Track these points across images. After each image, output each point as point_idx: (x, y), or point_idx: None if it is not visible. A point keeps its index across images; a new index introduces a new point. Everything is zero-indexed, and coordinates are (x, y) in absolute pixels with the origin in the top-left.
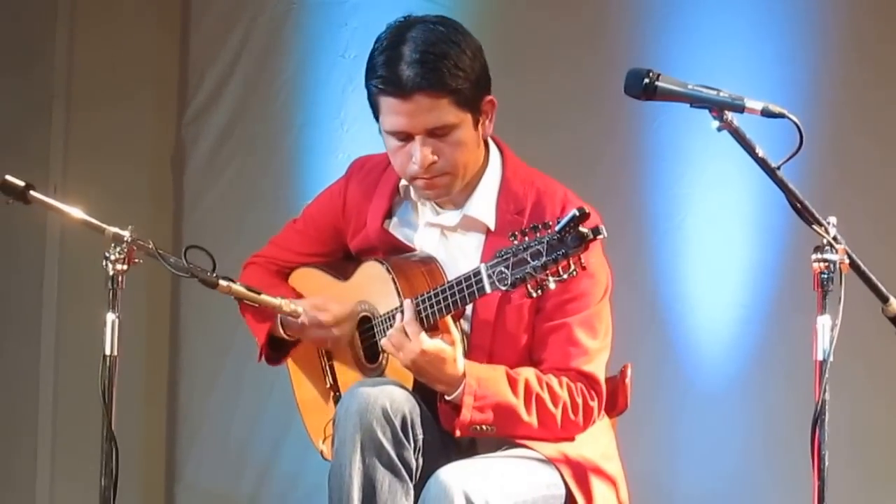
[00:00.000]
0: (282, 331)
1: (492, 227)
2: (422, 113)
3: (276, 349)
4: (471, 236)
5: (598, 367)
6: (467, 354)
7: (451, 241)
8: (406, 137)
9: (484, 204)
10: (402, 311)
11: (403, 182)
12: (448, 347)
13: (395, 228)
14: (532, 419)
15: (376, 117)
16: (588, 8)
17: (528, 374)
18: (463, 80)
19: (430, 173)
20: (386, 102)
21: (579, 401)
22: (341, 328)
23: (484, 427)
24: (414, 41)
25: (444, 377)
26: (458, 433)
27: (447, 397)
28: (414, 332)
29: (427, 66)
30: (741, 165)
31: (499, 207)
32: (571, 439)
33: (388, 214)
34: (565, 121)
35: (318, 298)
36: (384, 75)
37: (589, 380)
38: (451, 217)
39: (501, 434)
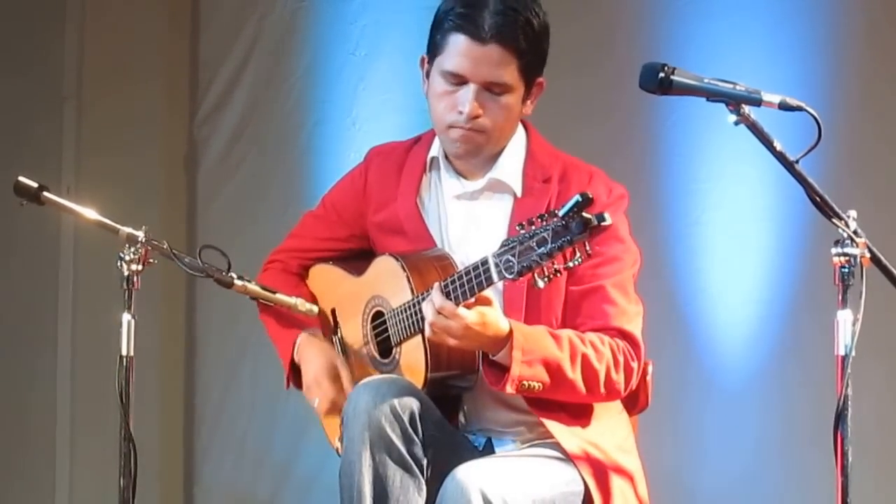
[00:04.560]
0: (297, 360)
1: (518, 193)
2: (489, 64)
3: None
4: (497, 202)
5: (637, 329)
6: None
7: (477, 209)
8: (460, 83)
9: (510, 169)
10: (431, 298)
11: (432, 154)
12: (488, 310)
13: (425, 206)
14: (577, 376)
15: (430, 60)
16: (602, 4)
17: (569, 332)
18: (533, 50)
19: (470, 125)
20: (457, 41)
21: (621, 359)
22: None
23: (533, 384)
24: None
25: (490, 339)
26: (508, 389)
27: (492, 356)
28: (450, 311)
29: (509, 20)
30: (759, 160)
31: (525, 174)
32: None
33: (419, 191)
34: (580, 116)
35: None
36: (467, 13)
37: (630, 340)
38: (476, 183)
39: (548, 394)
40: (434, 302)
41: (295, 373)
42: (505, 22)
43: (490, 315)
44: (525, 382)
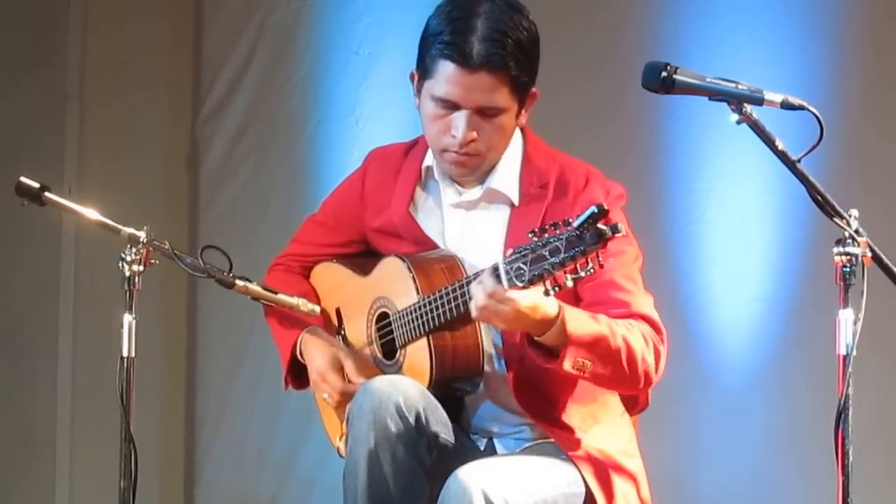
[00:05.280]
0: (300, 357)
1: (515, 201)
2: (480, 90)
3: (300, 372)
4: (494, 212)
5: (655, 314)
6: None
7: (475, 219)
8: (452, 108)
9: (506, 177)
10: (482, 281)
11: (427, 163)
12: (539, 295)
13: (420, 213)
14: (619, 351)
15: (421, 79)
16: (605, 3)
17: (603, 316)
18: (524, 69)
19: (464, 150)
20: (446, 68)
21: (650, 340)
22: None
23: (586, 362)
24: (488, 17)
25: (538, 322)
26: (565, 366)
27: (538, 338)
28: (502, 296)
29: (498, 45)
30: (761, 159)
31: (522, 181)
32: (643, 389)
33: (412, 198)
34: (582, 116)
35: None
36: (453, 42)
37: (653, 324)
38: (473, 193)
39: (594, 375)
40: (485, 286)
41: (295, 374)
42: (494, 48)
43: (538, 298)
44: (579, 360)
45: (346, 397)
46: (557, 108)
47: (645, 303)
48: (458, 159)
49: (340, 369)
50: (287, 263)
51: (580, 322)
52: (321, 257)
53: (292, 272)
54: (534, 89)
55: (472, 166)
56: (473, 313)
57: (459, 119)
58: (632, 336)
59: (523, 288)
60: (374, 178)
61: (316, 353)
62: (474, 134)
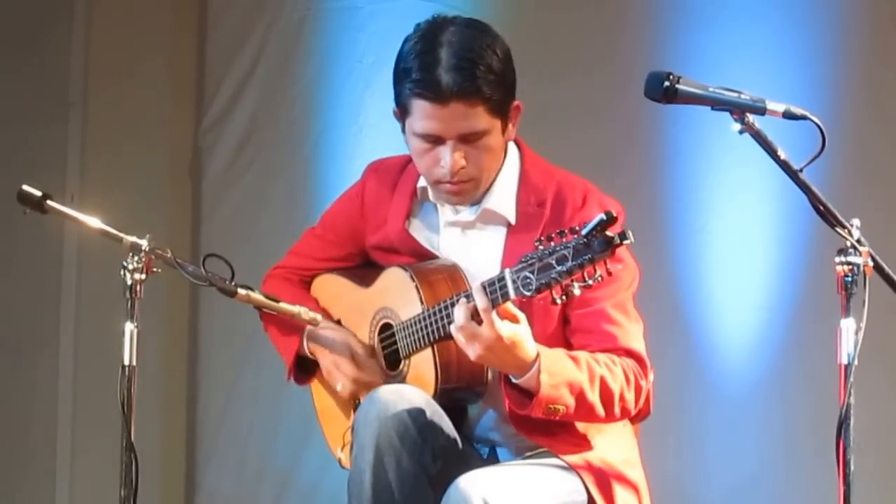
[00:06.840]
0: (307, 350)
1: (512, 221)
2: (457, 119)
3: (304, 368)
4: (491, 231)
5: (642, 347)
6: None
7: (471, 239)
8: (436, 141)
9: (503, 197)
10: (473, 299)
11: (422, 183)
12: (522, 329)
13: (416, 230)
14: (595, 398)
15: (402, 117)
16: (607, 10)
17: (585, 355)
18: (497, 87)
19: (457, 178)
20: (420, 106)
21: (632, 377)
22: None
23: (559, 407)
24: (450, 45)
25: (518, 360)
26: (534, 412)
27: (516, 380)
28: (490, 319)
29: (465, 72)
30: (763, 168)
31: (519, 200)
32: (621, 419)
33: (408, 215)
34: (585, 125)
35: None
36: (421, 79)
37: (637, 359)
38: (470, 212)
39: (570, 417)
40: (479, 304)
41: (299, 367)
42: (461, 76)
43: (521, 334)
44: (551, 406)
45: (358, 385)
46: (558, 117)
47: (633, 335)
48: (452, 189)
49: (353, 356)
50: (283, 275)
51: (558, 366)
52: (320, 271)
53: (291, 282)
54: (516, 102)
55: (469, 192)
56: (453, 332)
57: (445, 151)
58: (612, 376)
59: (531, 297)
60: (373, 192)
61: (326, 342)
62: (463, 161)
